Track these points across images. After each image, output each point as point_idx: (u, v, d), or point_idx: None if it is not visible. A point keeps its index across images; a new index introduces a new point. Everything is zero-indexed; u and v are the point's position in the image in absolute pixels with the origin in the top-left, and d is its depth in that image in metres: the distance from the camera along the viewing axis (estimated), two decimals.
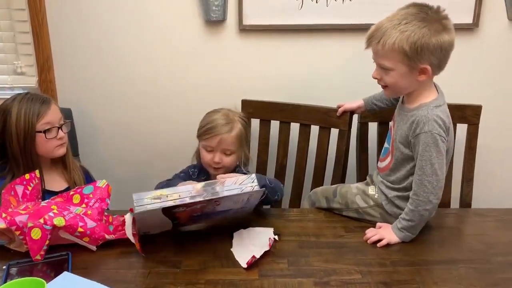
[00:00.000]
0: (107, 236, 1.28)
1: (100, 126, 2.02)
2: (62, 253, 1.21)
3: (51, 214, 1.22)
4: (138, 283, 1.12)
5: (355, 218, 1.46)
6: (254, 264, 1.18)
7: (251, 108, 1.83)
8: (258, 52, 1.91)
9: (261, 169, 1.86)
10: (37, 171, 1.35)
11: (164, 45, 1.92)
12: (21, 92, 1.49)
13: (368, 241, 1.31)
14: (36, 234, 1.18)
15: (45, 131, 1.40)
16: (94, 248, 1.27)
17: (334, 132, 1.76)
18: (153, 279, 1.14)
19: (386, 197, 1.42)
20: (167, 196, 1.22)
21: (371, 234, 1.33)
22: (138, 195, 1.21)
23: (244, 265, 1.18)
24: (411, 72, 1.29)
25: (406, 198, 1.36)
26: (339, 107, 1.71)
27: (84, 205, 1.33)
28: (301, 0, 1.83)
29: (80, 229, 1.24)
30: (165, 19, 1.88)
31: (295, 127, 1.82)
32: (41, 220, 1.19)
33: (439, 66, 1.30)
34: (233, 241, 1.29)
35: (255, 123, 1.85)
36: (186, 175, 1.60)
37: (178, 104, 1.99)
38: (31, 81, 1.94)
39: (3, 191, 1.28)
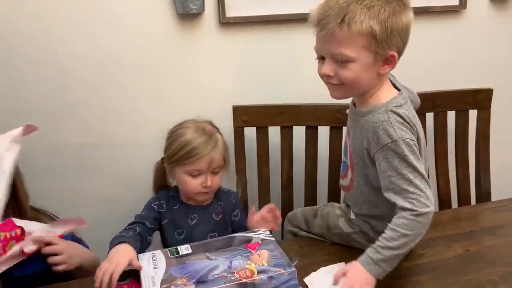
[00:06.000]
0: None
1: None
2: None
3: None
4: None
5: (341, 244, 1.23)
6: None
7: (245, 115, 1.54)
8: (245, 48, 1.60)
9: (264, 188, 1.58)
10: None
11: (132, 49, 1.53)
12: None
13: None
14: None
15: None
16: None
17: None
18: None
19: (368, 224, 1.17)
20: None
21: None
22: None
23: None
24: (375, 62, 1.02)
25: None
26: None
27: None
28: None
29: None
30: (131, 19, 1.50)
31: (298, 132, 1.57)
32: None
33: (401, 52, 1.05)
34: None
35: (250, 132, 1.56)
36: (151, 212, 1.31)
37: (151, 119, 1.61)
38: None
39: None
